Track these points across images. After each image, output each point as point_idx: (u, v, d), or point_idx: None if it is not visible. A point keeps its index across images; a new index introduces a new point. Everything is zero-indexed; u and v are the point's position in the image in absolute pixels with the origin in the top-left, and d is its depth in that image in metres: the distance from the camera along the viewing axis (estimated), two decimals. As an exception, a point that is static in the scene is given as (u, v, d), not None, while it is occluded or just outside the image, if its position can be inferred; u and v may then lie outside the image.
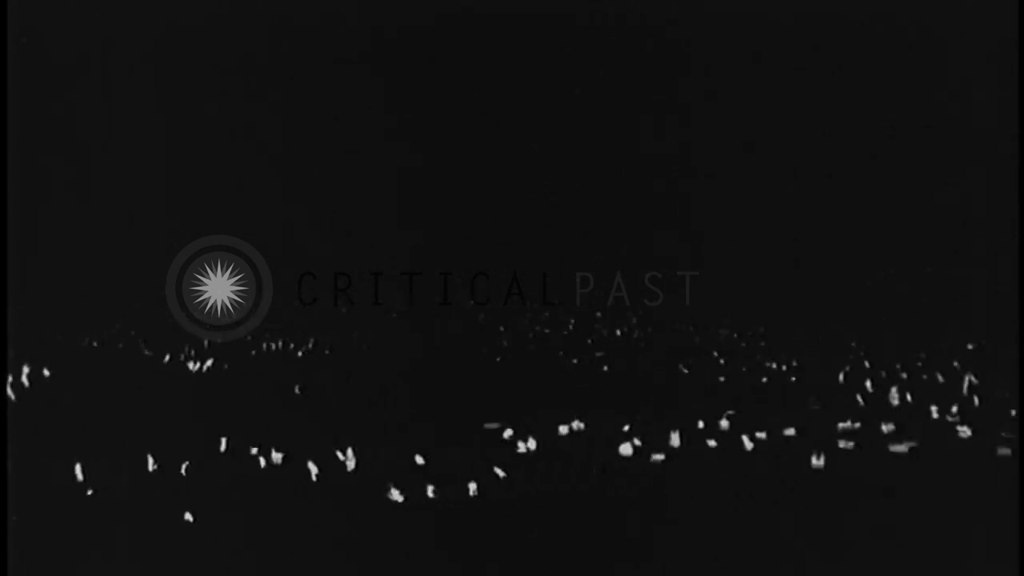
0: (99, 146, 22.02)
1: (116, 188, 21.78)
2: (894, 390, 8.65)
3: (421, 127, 23.22)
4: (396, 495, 5.67)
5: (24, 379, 9.63)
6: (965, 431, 7.35)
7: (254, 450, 6.68)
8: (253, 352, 12.14)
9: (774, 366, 11.13)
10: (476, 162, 23.23)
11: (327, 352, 12.30)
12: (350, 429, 7.57)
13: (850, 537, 5.61)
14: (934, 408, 8.05)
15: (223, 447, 6.77)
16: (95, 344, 12.70)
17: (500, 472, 6.17)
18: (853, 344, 12.63)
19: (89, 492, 5.82)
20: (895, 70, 22.37)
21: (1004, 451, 6.58)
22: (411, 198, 23.09)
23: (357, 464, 6.35)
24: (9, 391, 8.33)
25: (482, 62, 23.04)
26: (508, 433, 7.16)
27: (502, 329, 14.31)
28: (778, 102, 22.76)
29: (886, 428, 7.40)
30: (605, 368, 11.10)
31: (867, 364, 10.65)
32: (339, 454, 6.49)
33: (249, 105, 22.62)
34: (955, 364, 10.58)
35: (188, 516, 5.51)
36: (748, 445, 6.76)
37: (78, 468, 6.23)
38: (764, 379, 10.31)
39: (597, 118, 23.27)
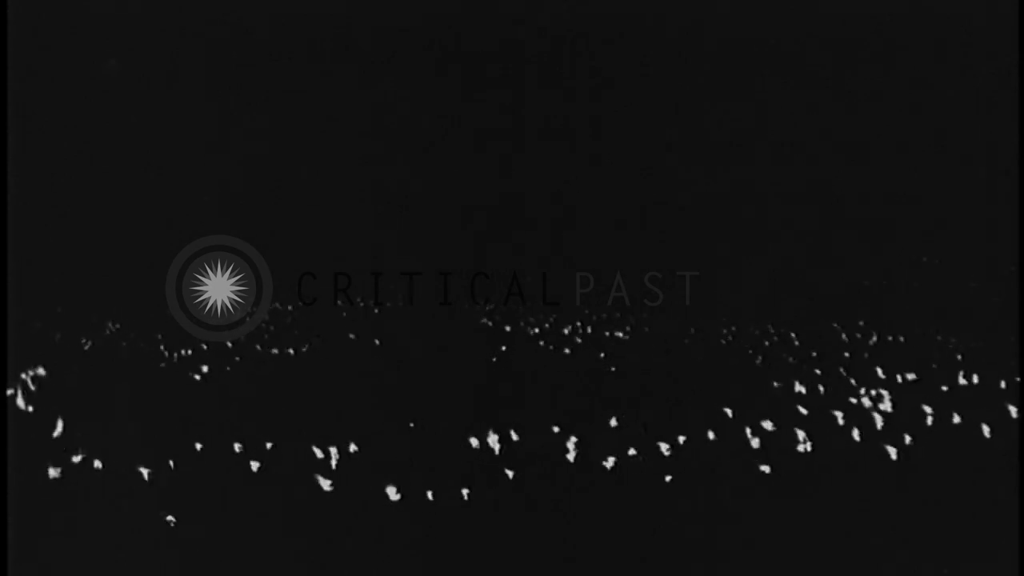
0: (100, 147, 22.04)
1: (117, 189, 21.80)
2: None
3: (421, 128, 23.24)
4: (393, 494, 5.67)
5: (27, 379, 9.63)
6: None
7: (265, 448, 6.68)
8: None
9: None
10: (476, 163, 23.23)
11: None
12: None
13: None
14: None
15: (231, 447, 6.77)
16: (95, 343, 12.70)
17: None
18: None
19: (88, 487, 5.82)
20: (894, 70, 22.37)
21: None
22: (411, 198, 23.11)
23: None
24: (20, 401, 8.30)
25: (482, 64, 23.05)
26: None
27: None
28: (779, 104, 22.77)
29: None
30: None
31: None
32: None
33: (249, 106, 22.63)
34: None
35: (170, 518, 5.49)
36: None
37: (76, 462, 6.24)
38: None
39: (600, 119, 23.28)
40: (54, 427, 7.01)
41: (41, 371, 9.16)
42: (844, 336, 13.58)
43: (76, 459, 6.14)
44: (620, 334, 14.02)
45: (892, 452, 6.56)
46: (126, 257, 19.92)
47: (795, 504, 5.94)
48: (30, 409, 8.03)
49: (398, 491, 5.69)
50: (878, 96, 22.40)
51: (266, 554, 5.40)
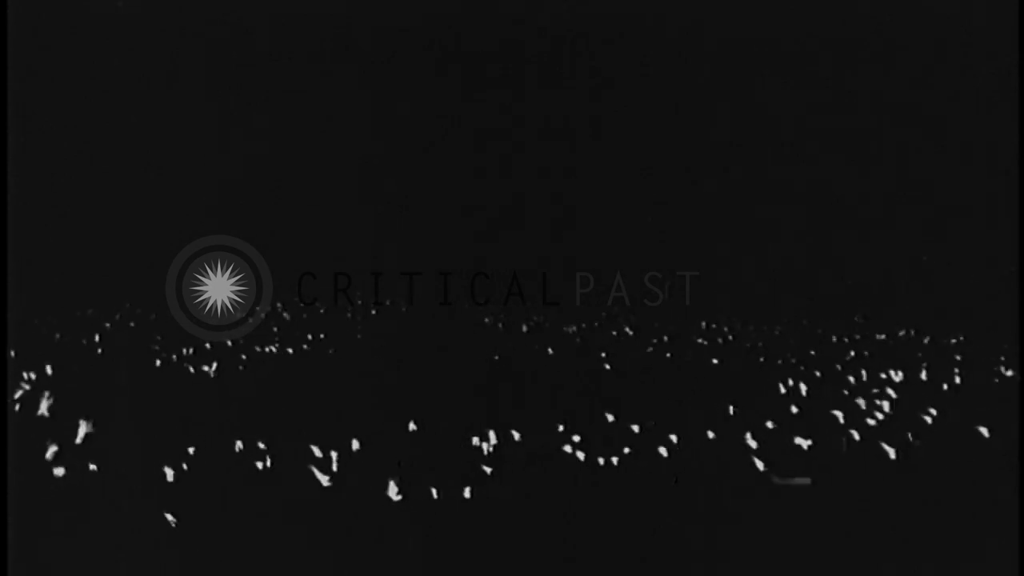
0: (100, 147, 22.03)
1: (117, 188, 21.80)
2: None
3: (421, 128, 23.24)
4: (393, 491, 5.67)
5: (26, 380, 9.63)
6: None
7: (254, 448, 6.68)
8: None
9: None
10: (476, 163, 23.23)
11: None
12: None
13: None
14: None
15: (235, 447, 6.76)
16: (95, 343, 12.70)
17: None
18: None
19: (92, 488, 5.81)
20: (894, 70, 22.37)
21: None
22: (412, 198, 23.11)
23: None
24: (44, 410, 8.27)
25: (482, 64, 23.04)
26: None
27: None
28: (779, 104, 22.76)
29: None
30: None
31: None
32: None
33: (249, 106, 22.63)
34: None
35: (170, 517, 5.47)
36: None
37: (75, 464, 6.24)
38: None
39: (601, 119, 23.27)
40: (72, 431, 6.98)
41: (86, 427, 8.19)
42: (844, 336, 13.59)
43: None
44: (619, 333, 14.02)
45: (892, 452, 6.56)
46: (126, 257, 19.92)
47: (795, 504, 5.94)
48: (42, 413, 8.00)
49: (399, 491, 5.68)
50: (878, 96, 22.39)
51: (265, 555, 5.40)
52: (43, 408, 7.12)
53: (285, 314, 15.80)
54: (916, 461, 6.56)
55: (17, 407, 7.97)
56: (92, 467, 6.09)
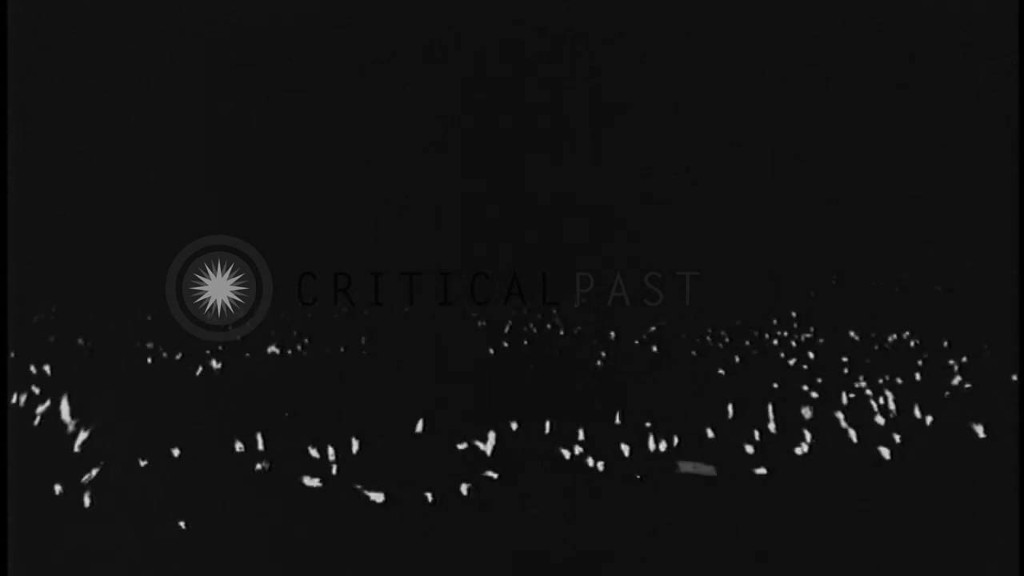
0: (100, 146, 22.04)
1: (117, 189, 21.80)
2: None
3: (421, 128, 23.24)
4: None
5: (25, 379, 9.62)
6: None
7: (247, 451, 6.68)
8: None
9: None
10: (476, 163, 23.23)
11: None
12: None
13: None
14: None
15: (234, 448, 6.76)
16: (94, 343, 12.70)
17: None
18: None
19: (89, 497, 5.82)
20: (894, 70, 22.37)
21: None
22: (412, 198, 23.11)
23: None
24: (37, 415, 8.24)
25: (481, 63, 23.05)
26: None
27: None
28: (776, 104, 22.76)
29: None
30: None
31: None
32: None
33: (249, 106, 22.63)
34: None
35: (182, 524, 5.49)
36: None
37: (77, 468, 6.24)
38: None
39: (597, 118, 23.28)
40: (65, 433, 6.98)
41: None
42: (844, 337, 13.58)
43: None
44: (616, 334, 14.02)
45: (891, 453, 6.57)
46: (126, 257, 19.93)
47: (794, 504, 5.95)
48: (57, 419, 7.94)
49: (384, 494, 5.69)
50: (878, 96, 22.39)
51: (265, 555, 5.40)
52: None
53: (284, 314, 15.80)
54: (916, 461, 6.57)
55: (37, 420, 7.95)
56: (92, 471, 6.10)
